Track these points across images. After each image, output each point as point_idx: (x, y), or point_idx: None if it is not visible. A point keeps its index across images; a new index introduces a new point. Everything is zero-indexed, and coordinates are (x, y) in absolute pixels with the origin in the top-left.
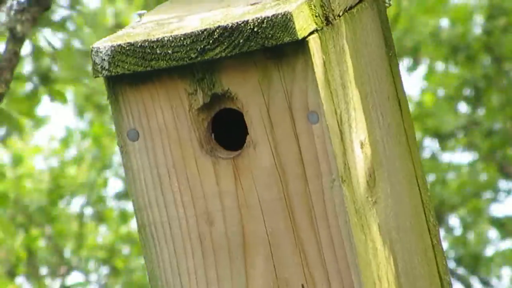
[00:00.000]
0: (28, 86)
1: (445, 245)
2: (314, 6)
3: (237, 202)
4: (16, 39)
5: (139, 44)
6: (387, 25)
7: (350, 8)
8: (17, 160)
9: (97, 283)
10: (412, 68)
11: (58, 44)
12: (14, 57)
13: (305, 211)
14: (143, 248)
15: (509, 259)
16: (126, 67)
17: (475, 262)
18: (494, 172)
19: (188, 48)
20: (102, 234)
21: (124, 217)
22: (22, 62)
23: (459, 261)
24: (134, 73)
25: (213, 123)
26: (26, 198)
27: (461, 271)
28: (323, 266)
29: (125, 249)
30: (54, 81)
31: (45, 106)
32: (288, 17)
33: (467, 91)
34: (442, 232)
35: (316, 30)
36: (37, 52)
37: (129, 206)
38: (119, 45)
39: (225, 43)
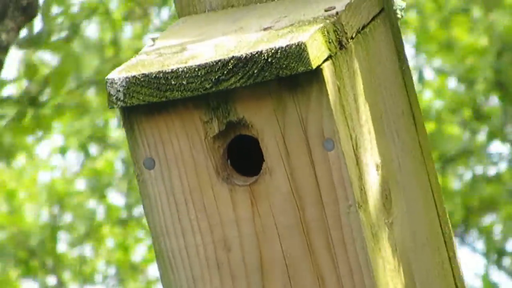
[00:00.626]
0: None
1: None
2: (328, 32)
3: (254, 229)
4: (0, 48)
5: (154, 75)
6: (400, 38)
7: (363, 27)
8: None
9: None
10: None
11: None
12: None
13: (322, 237)
14: (161, 275)
15: None
16: (141, 98)
17: None
18: None
19: (203, 79)
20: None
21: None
22: (13, 83)
23: None
24: (149, 103)
25: (229, 148)
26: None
27: None
28: None
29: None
30: (43, 105)
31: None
32: (302, 47)
33: None
34: None
35: (330, 57)
36: (30, 71)
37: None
38: (134, 76)
39: (240, 74)
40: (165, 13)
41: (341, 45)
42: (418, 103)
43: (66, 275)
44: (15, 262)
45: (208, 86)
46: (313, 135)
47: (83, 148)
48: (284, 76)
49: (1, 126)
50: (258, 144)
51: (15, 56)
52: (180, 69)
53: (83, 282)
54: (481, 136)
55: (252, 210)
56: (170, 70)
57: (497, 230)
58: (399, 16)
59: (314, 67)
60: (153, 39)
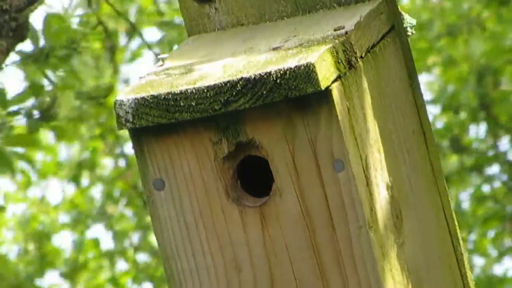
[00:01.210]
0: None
1: None
2: (337, 53)
3: (264, 250)
4: None
5: (163, 96)
6: (410, 56)
7: (373, 46)
8: None
9: None
10: None
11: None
12: None
13: (333, 258)
14: None
15: None
16: (150, 119)
17: None
18: None
19: (212, 100)
20: None
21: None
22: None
23: None
24: (158, 124)
25: (238, 169)
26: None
27: None
28: None
29: None
30: (55, 118)
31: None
32: (311, 68)
33: None
34: None
35: (339, 77)
36: (35, 89)
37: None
38: (143, 97)
39: (249, 95)
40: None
41: (350, 65)
42: (429, 121)
43: None
44: None
45: (217, 107)
46: (322, 156)
47: (75, 178)
48: (293, 97)
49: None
50: (267, 164)
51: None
52: (189, 90)
53: None
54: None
55: (263, 231)
56: (179, 92)
57: None
58: (409, 33)
59: (323, 88)
60: (162, 59)
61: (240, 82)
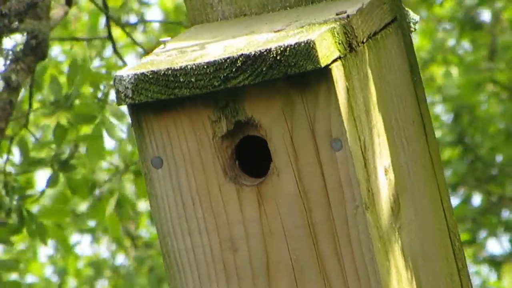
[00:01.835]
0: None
1: None
2: (337, 34)
3: (261, 229)
4: (11, 89)
5: (162, 72)
6: (412, 50)
7: (375, 34)
8: None
9: None
10: None
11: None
12: (9, 106)
13: (329, 238)
14: (168, 275)
15: None
16: (150, 95)
17: None
18: None
19: (211, 76)
20: None
21: None
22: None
23: None
24: (157, 101)
25: (237, 150)
26: None
27: None
28: None
29: None
30: (73, 168)
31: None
32: (311, 45)
33: None
34: None
35: (340, 58)
36: (59, 135)
37: None
38: (143, 73)
39: (248, 71)
40: None
41: (351, 48)
42: (429, 114)
43: None
44: None
45: (216, 84)
46: (321, 135)
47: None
48: (293, 75)
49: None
50: (266, 145)
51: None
52: (189, 66)
53: None
54: None
55: (259, 210)
56: (178, 67)
57: None
58: (412, 29)
59: (323, 65)
60: (164, 43)
61: (240, 59)
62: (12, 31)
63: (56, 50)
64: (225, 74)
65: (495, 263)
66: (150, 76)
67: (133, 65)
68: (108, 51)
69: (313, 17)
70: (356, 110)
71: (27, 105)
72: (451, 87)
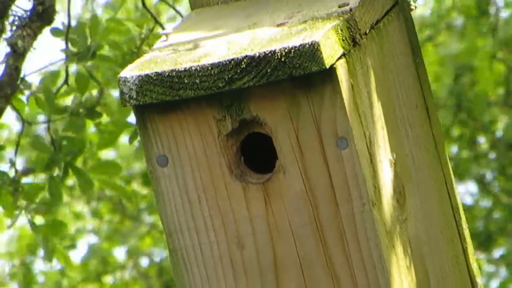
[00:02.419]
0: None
1: None
2: (341, 30)
3: (267, 227)
4: (17, 54)
5: (167, 73)
6: (414, 31)
7: (377, 22)
8: None
9: None
10: None
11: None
12: (15, 72)
13: (337, 235)
14: (175, 273)
15: None
16: (154, 96)
17: None
18: None
19: (216, 78)
20: None
21: None
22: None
23: None
24: (162, 101)
25: (243, 145)
26: None
27: None
28: None
29: None
30: (100, 115)
31: None
32: (315, 47)
33: None
34: None
35: (344, 55)
36: (82, 84)
37: None
38: (147, 74)
39: (253, 73)
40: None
41: (354, 42)
42: (432, 96)
43: None
44: None
45: (221, 85)
46: (326, 134)
47: None
48: (298, 75)
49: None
50: (271, 142)
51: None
52: (193, 68)
53: None
54: None
55: (266, 208)
56: (183, 69)
57: None
58: (412, 7)
59: (327, 66)
60: (166, 35)
61: (245, 60)
62: (39, 12)
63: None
64: (229, 76)
65: None
66: (155, 77)
67: (136, 64)
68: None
69: (315, 8)
70: (361, 107)
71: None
72: (452, 47)
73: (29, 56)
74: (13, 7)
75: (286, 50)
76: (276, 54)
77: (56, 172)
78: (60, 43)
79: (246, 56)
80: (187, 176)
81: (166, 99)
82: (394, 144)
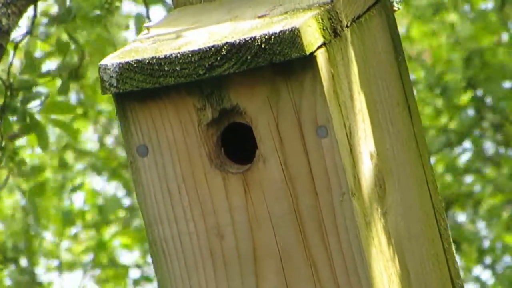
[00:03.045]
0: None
1: None
2: (322, 20)
3: (247, 216)
4: (1, 32)
5: (147, 61)
6: (396, 30)
7: (359, 17)
8: None
9: None
10: None
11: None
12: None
13: (316, 225)
14: (154, 263)
15: None
16: (134, 84)
17: None
18: None
19: (196, 65)
20: None
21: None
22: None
23: None
24: (142, 89)
25: (223, 137)
26: None
27: None
28: (334, 280)
29: None
30: (84, 77)
31: None
32: (296, 33)
33: None
34: None
35: (324, 44)
36: (62, 48)
37: None
38: (127, 62)
39: (233, 60)
40: None
41: (335, 33)
42: (413, 94)
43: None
44: None
45: (201, 72)
46: (306, 122)
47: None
48: (278, 62)
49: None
50: (251, 132)
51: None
52: (174, 55)
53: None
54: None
55: (246, 197)
56: (163, 56)
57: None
58: (395, 8)
59: (307, 53)
60: (148, 28)
61: (225, 47)
62: None
63: None
64: (210, 63)
65: None
66: (135, 65)
67: (117, 53)
68: None
69: (297, 1)
70: (341, 96)
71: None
72: (464, 29)
73: (14, 34)
74: None
75: (266, 37)
76: (256, 41)
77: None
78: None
79: (227, 43)
80: (167, 165)
81: (147, 87)
82: (375, 137)
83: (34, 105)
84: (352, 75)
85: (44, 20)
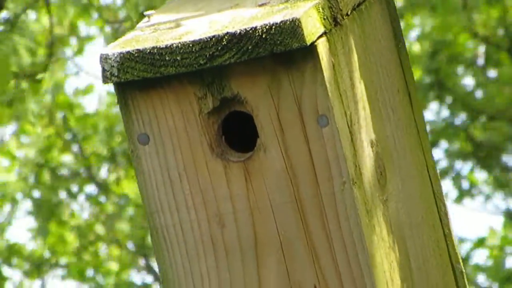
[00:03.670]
0: None
1: None
2: (322, 9)
3: (248, 205)
4: None
5: (148, 50)
6: (396, 16)
7: (359, 4)
8: None
9: None
10: None
11: None
12: None
13: (317, 214)
14: (156, 251)
15: None
16: (135, 73)
17: None
18: None
19: (197, 55)
20: None
21: None
22: None
23: None
24: (143, 78)
25: (224, 124)
26: None
27: None
28: (336, 268)
29: None
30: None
31: None
32: (296, 23)
33: None
34: None
35: (325, 33)
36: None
37: None
38: (128, 51)
39: (234, 50)
40: None
41: (335, 22)
42: (414, 81)
43: None
44: None
45: (202, 62)
46: (307, 111)
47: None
48: (279, 52)
49: None
50: (252, 120)
51: None
52: (175, 45)
53: None
54: None
55: (247, 186)
56: (164, 46)
57: None
58: None
59: (308, 43)
60: (148, 16)
61: (226, 37)
62: None
63: None
64: (210, 53)
65: None
66: (136, 54)
67: (118, 43)
68: None
69: None
70: (342, 85)
71: None
72: (427, 24)
73: None
74: None
75: (267, 27)
76: (257, 31)
77: None
78: None
79: (227, 33)
80: (168, 154)
81: (148, 76)
82: (375, 125)
83: None
84: (352, 64)
85: None
